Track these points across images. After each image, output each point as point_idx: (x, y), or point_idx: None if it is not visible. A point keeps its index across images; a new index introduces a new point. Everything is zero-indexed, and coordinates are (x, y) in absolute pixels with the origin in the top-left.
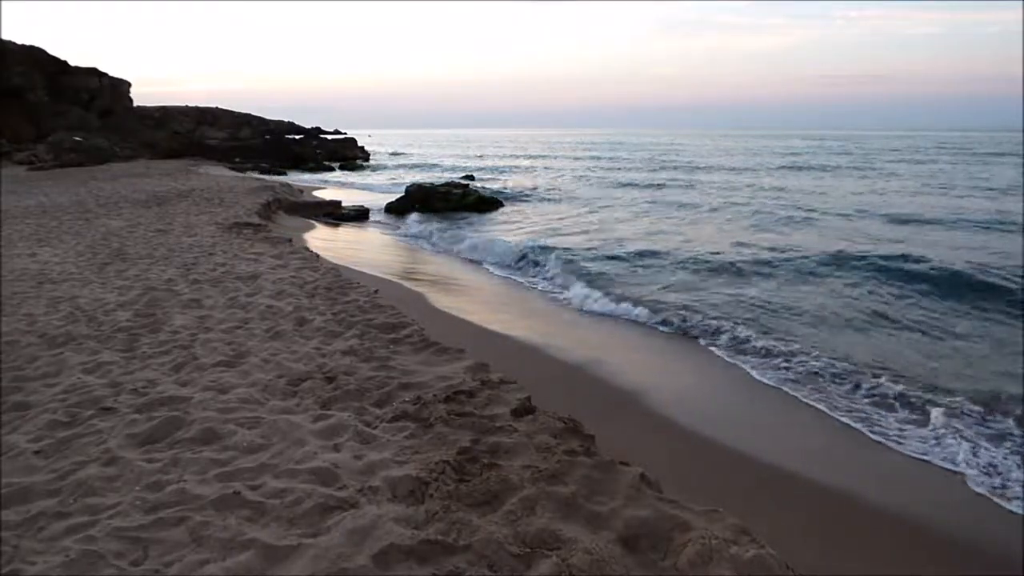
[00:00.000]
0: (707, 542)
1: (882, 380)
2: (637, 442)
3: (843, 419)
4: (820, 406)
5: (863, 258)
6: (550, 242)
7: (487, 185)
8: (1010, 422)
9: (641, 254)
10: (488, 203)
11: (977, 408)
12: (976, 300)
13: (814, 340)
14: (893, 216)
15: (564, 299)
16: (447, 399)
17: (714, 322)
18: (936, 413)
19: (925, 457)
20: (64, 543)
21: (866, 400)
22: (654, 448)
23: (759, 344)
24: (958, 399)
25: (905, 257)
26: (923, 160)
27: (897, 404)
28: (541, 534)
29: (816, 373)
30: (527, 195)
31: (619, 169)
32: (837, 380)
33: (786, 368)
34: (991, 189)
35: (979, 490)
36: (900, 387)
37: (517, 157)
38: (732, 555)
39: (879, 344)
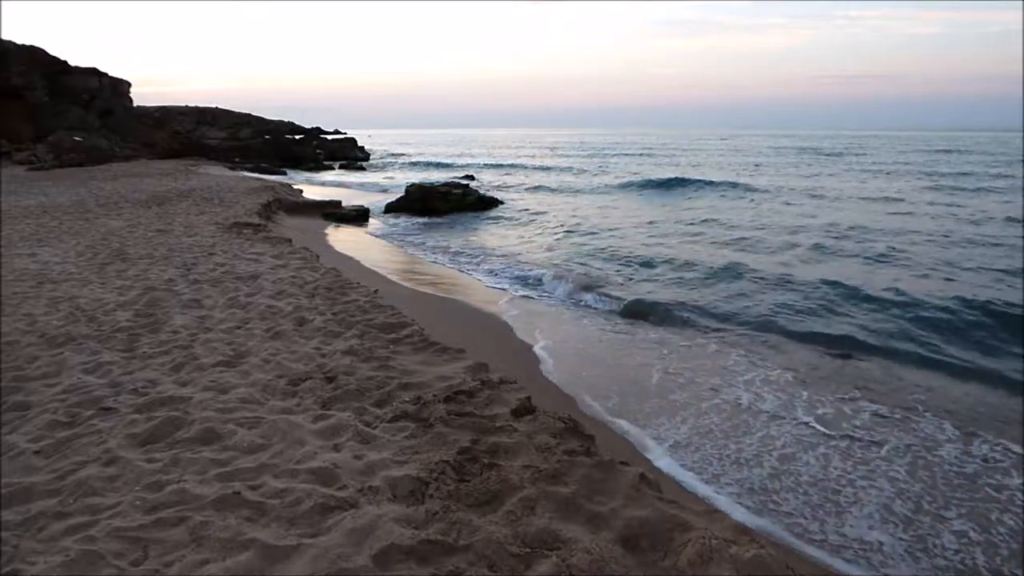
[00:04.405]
0: (707, 542)
1: None
2: None
3: None
4: None
5: None
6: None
7: (486, 185)
8: None
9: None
10: (488, 203)
11: None
12: None
13: None
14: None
15: None
16: (447, 399)
17: None
18: None
19: None
20: (64, 543)
21: None
22: None
23: None
24: None
25: None
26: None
27: None
28: (541, 534)
29: None
30: (523, 194)
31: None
32: None
33: None
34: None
35: None
36: None
37: (517, 159)
38: (732, 555)
39: None
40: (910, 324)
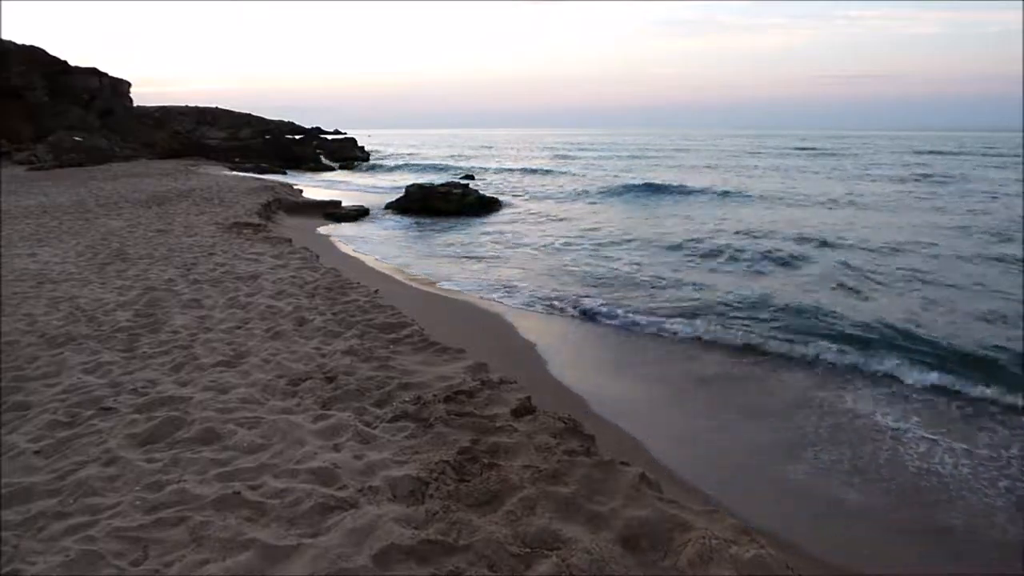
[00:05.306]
0: (707, 542)
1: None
2: None
3: None
4: None
5: None
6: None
7: (486, 185)
8: None
9: None
10: (488, 204)
11: None
12: None
13: None
14: None
15: None
16: (447, 399)
17: None
18: None
19: None
20: (64, 543)
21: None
22: None
23: None
24: None
25: None
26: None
27: None
28: (541, 534)
29: None
30: (523, 195)
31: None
32: None
33: None
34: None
35: None
36: None
37: (518, 160)
38: (732, 555)
39: None
40: (935, 344)
